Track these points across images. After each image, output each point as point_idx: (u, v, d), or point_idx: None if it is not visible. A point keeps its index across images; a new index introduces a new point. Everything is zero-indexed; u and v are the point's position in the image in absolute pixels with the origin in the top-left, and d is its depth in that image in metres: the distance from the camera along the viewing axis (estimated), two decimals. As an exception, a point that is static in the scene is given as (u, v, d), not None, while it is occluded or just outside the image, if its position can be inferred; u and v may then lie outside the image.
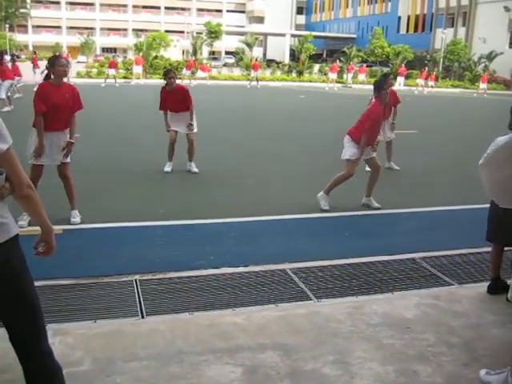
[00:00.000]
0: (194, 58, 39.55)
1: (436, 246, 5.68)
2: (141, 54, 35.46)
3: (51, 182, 5.95)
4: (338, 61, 40.60)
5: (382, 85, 7.25)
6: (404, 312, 4.06)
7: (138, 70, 33.80)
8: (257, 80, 36.02)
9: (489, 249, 4.67)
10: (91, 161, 9.48)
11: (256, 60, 39.61)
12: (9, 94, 17.58)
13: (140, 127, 13.94)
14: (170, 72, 9.13)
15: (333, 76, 37.73)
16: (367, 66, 41.86)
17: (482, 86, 38.51)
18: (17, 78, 21.16)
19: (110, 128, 13.97)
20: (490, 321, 3.98)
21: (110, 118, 16.28)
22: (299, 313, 4.00)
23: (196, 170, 8.99)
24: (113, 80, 31.13)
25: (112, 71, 31.72)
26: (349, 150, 6.95)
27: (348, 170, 6.93)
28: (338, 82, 39.54)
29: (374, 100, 7.55)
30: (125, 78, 33.92)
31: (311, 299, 4.30)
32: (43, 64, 28.93)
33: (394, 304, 4.23)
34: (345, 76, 40.54)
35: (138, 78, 33.53)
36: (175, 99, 8.87)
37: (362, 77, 39.15)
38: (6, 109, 16.35)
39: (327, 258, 5.20)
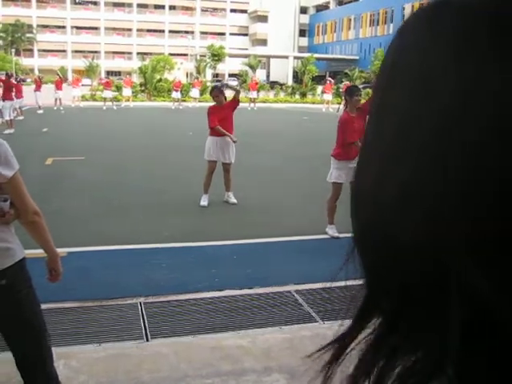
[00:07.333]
0: (197, 79, 39.53)
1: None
2: (127, 76, 35.00)
3: (51, 206, 5.98)
4: (328, 80, 36.97)
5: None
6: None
7: (127, 92, 33.14)
8: (253, 101, 33.93)
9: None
10: (94, 185, 9.52)
11: (252, 80, 37.18)
12: (12, 116, 17.70)
13: (140, 154, 13.98)
14: (213, 90, 8.16)
15: (328, 97, 34.37)
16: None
17: None
18: (18, 99, 21.38)
19: (111, 153, 14.02)
20: None
21: (112, 142, 16.35)
22: (304, 335, 3.98)
23: (234, 200, 8.18)
24: (110, 103, 30.85)
25: (108, 93, 31.15)
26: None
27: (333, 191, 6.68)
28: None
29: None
30: (116, 100, 33.07)
31: (316, 321, 4.27)
32: (47, 88, 28.98)
33: (399, 326, 4.19)
34: None
35: (128, 101, 33.16)
36: (227, 115, 7.94)
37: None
38: (7, 131, 16.42)
39: (332, 280, 5.18)
